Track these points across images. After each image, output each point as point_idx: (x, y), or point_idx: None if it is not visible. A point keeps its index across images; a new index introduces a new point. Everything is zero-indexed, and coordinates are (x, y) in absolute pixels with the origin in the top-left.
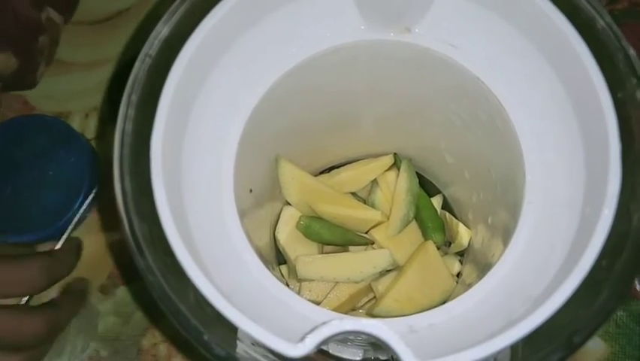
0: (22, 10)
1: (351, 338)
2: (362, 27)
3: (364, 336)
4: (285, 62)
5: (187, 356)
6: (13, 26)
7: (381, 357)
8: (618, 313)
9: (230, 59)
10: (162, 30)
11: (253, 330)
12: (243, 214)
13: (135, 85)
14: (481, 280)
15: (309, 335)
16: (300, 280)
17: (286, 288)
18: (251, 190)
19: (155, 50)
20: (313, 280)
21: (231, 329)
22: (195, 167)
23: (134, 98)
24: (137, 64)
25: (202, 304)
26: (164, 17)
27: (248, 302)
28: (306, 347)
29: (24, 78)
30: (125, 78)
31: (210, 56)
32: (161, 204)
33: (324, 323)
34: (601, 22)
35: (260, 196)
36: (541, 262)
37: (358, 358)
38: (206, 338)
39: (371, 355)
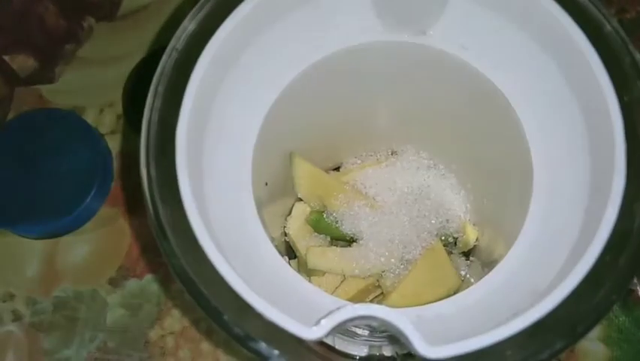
0: (49, 19)
1: (358, 332)
2: (379, 28)
3: (376, 323)
4: (302, 60)
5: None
6: (38, 33)
7: (386, 354)
8: (620, 319)
9: (251, 56)
10: (189, 26)
11: (271, 313)
12: (259, 205)
13: (162, 77)
14: (489, 274)
15: (324, 319)
16: (309, 273)
17: (300, 276)
18: (266, 183)
19: (182, 45)
20: (323, 273)
21: (248, 311)
22: (216, 157)
23: (160, 89)
24: (164, 57)
25: (221, 287)
26: (191, 14)
27: (262, 288)
28: (322, 329)
29: (42, 76)
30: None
31: (233, 52)
32: (185, 190)
33: (338, 308)
34: (608, 27)
35: (274, 190)
36: (547, 258)
37: (363, 354)
38: (225, 318)
39: (376, 351)
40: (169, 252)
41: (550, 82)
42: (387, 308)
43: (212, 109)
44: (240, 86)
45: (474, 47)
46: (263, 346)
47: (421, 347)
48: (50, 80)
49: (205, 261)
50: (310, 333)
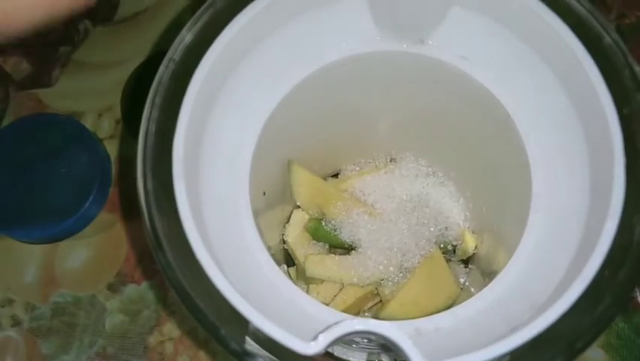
0: None
1: (357, 340)
2: (377, 38)
3: (374, 337)
4: (300, 70)
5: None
6: (30, 35)
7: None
8: (620, 325)
9: (249, 66)
10: (186, 36)
11: (268, 327)
12: (256, 215)
13: (159, 88)
14: (487, 287)
15: (321, 334)
16: (308, 281)
17: (298, 288)
18: (264, 193)
19: (179, 56)
20: (321, 281)
21: (246, 326)
22: (213, 168)
23: (157, 100)
24: (161, 68)
25: (219, 300)
26: (188, 25)
27: (260, 300)
28: (319, 345)
29: (38, 80)
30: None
31: (230, 63)
32: (182, 202)
33: (336, 323)
34: (608, 39)
35: (272, 199)
36: (546, 271)
37: None
38: (222, 333)
39: (375, 358)
40: (165, 264)
41: (549, 93)
42: (386, 323)
43: (209, 119)
44: (237, 96)
45: (473, 57)
46: None
47: None
48: (47, 84)
49: (202, 274)
50: (308, 348)
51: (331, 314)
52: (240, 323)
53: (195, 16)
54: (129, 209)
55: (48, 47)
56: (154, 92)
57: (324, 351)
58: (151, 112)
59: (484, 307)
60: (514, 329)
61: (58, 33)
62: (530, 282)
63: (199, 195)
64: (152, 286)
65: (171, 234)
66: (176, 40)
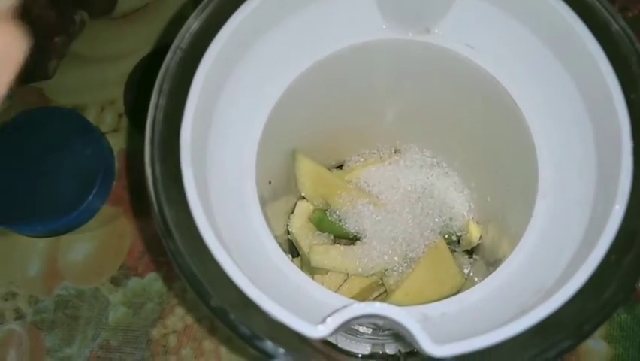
0: (36, 9)
1: (361, 330)
2: (383, 27)
3: (381, 322)
4: (307, 58)
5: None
6: (22, 22)
7: (389, 352)
8: (622, 316)
9: (256, 54)
10: (193, 24)
11: (277, 311)
12: (263, 204)
13: (166, 75)
14: (494, 273)
15: (329, 317)
16: (312, 271)
17: (304, 274)
18: (270, 182)
19: (186, 43)
20: (326, 271)
21: (254, 310)
22: (220, 155)
23: (165, 87)
24: (168, 55)
25: (227, 285)
26: (195, 12)
27: (268, 286)
28: (327, 328)
29: (36, 72)
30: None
31: (237, 50)
32: (190, 189)
33: (344, 306)
34: (615, 26)
35: (277, 189)
36: (553, 256)
37: (366, 352)
38: (232, 317)
39: (379, 350)
40: (174, 251)
41: (556, 81)
42: (394, 307)
43: (216, 107)
44: (244, 83)
45: (479, 46)
46: (269, 345)
47: (427, 345)
48: (46, 77)
49: (211, 260)
50: (316, 332)
51: (338, 300)
52: (249, 307)
53: (202, 5)
54: (133, 202)
55: (42, 37)
56: (161, 80)
57: (331, 334)
58: (158, 99)
59: (490, 293)
60: (522, 313)
61: (52, 22)
62: (537, 267)
63: (207, 182)
64: (156, 279)
65: (180, 220)
66: (183, 29)
